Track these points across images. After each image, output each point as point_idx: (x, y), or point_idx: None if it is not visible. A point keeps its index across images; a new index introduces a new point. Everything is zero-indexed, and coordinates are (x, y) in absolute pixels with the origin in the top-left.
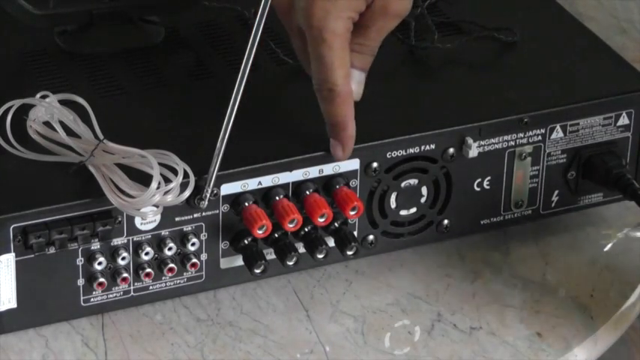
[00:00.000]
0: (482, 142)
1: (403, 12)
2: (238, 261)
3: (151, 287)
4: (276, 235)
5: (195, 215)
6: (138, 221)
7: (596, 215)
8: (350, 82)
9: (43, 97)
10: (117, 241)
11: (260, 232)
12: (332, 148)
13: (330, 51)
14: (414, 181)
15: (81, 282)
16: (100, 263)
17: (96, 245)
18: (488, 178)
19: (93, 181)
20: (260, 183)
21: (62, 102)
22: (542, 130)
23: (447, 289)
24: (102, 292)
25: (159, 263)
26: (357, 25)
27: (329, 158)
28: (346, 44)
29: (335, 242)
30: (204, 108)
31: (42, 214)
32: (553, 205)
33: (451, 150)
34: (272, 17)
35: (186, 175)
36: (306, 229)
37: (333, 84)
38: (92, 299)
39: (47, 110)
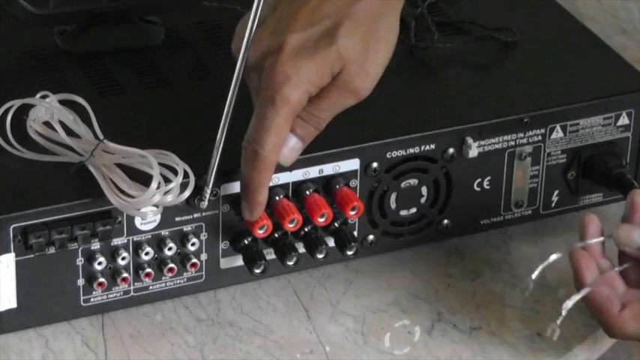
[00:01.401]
0: (482, 142)
1: (363, 92)
2: (238, 261)
3: (151, 287)
4: (276, 235)
5: (195, 215)
6: (138, 221)
7: (596, 215)
8: (277, 152)
9: (43, 97)
10: (117, 241)
11: (260, 232)
12: (242, 208)
13: (274, 115)
14: (414, 181)
15: (81, 282)
16: (100, 263)
17: (96, 245)
18: (488, 178)
19: (93, 181)
20: None
21: (62, 102)
22: (542, 130)
23: (447, 289)
24: (102, 292)
25: (159, 263)
26: (315, 96)
27: (329, 158)
28: (291, 116)
29: (335, 242)
30: (204, 108)
31: (42, 214)
32: (553, 205)
33: (451, 150)
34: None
35: (186, 175)
36: (306, 229)
37: (261, 147)
38: (92, 299)
39: (47, 110)
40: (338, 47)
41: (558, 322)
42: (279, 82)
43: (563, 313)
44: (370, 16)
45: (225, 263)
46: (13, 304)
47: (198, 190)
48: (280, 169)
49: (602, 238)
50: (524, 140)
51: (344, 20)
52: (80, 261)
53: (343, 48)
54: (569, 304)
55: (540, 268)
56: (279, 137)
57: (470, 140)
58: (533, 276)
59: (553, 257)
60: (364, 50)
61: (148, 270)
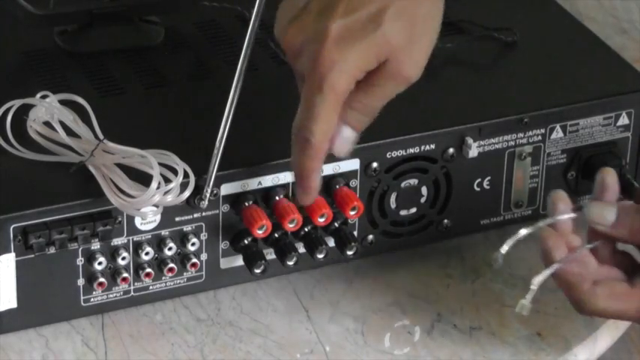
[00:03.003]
0: (482, 142)
1: (412, 78)
2: (238, 261)
3: (151, 287)
4: (276, 235)
5: (195, 215)
6: (138, 221)
7: None
8: (327, 139)
9: (43, 97)
10: (117, 241)
11: (260, 232)
12: (297, 193)
13: (322, 103)
14: (414, 181)
15: (81, 282)
16: (100, 263)
17: (96, 245)
18: (488, 178)
19: (93, 181)
20: (260, 183)
21: (62, 102)
22: (542, 130)
23: (446, 289)
24: (102, 292)
25: (159, 263)
26: (363, 83)
27: (329, 158)
28: (340, 102)
29: (335, 242)
30: (204, 108)
31: (42, 214)
32: None
33: (451, 150)
34: (271, 17)
35: (186, 175)
36: (306, 229)
37: (312, 135)
38: (92, 299)
39: (47, 110)
40: (384, 32)
41: (528, 297)
42: (326, 68)
43: (532, 287)
44: (415, 3)
45: (225, 263)
46: (13, 304)
47: (198, 190)
48: (280, 169)
49: (572, 215)
50: (524, 140)
51: (389, 6)
52: (80, 261)
53: (389, 33)
54: (539, 279)
55: (510, 242)
56: (328, 124)
57: (470, 140)
58: (503, 250)
59: (522, 232)
60: (409, 36)
61: (148, 270)
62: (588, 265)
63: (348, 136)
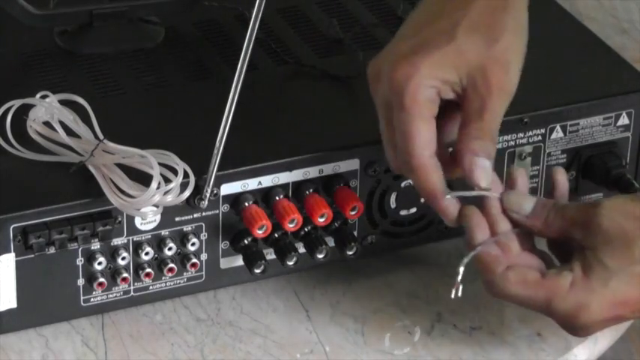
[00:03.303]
0: None
1: (509, 86)
2: (238, 261)
3: (151, 287)
4: (276, 235)
5: (195, 215)
6: (138, 221)
7: None
8: (427, 152)
9: (43, 97)
10: (117, 241)
11: (260, 232)
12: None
13: (408, 118)
14: None
15: (81, 282)
16: (100, 263)
17: (96, 245)
18: None
19: (93, 181)
20: (260, 183)
21: (62, 102)
22: (542, 130)
23: (447, 289)
24: (102, 292)
25: (159, 263)
26: (467, 109)
27: (329, 158)
28: (427, 114)
29: (335, 242)
30: (204, 108)
31: (42, 214)
32: None
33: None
34: (272, 18)
35: (186, 175)
36: (306, 229)
37: (408, 154)
38: (92, 299)
39: (47, 110)
40: (457, 46)
41: (457, 279)
42: (402, 82)
43: (459, 270)
44: (491, 11)
45: (225, 263)
46: (13, 304)
47: (198, 190)
48: (280, 169)
49: (496, 194)
50: (524, 140)
51: (462, 19)
52: (80, 261)
53: (464, 46)
54: (464, 261)
55: (461, 270)
56: (419, 138)
57: None
58: (459, 278)
59: (465, 261)
60: (489, 47)
61: (148, 270)
62: (510, 250)
63: (484, 166)
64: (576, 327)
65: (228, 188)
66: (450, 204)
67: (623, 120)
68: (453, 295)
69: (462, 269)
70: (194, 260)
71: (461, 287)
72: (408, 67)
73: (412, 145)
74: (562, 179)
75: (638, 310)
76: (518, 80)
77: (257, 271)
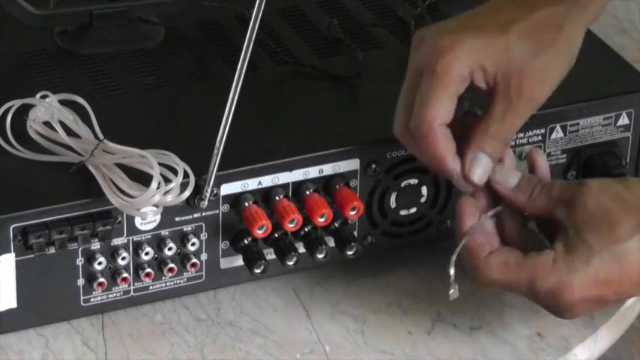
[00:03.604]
0: None
1: (538, 97)
2: (238, 261)
3: (151, 287)
4: (276, 235)
5: (195, 215)
6: (138, 221)
7: None
8: (437, 122)
9: (43, 97)
10: (117, 241)
11: (260, 232)
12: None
13: (435, 85)
14: (414, 181)
15: (81, 282)
16: (100, 263)
17: (96, 245)
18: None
19: (93, 181)
20: (260, 183)
21: (62, 102)
22: (542, 130)
23: (447, 288)
24: (102, 292)
25: (159, 263)
26: (493, 108)
27: (329, 158)
28: (452, 88)
29: (335, 242)
30: (204, 108)
31: (42, 214)
32: None
33: None
34: (272, 18)
35: (186, 175)
36: (306, 229)
37: (422, 119)
38: (92, 299)
39: (47, 110)
40: (506, 41)
41: (451, 279)
42: (441, 51)
43: (450, 271)
44: (548, 25)
45: (225, 263)
46: (13, 304)
47: (198, 190)
48: (280, 169)
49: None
50: (524, 140)
51: (519, 21)
52: (80, 261)
53: (512, 44)
54: (452, 259)
55: (452, 268)
56: (439, 107)
57: None
58: (452, 277)
59: (452, 260)
60: (534, 55)
61: (148, 270)
62: (494, 237)
63: (486, 164)
64: (560, 306)
65: (228, 188)
66: (457, 166)
67: (623, 120)
68: (450, 298)
69: (452, 270)
70: (194, 260)
71: (457, 287)
72: (452, 40)
73: (429, 111)
74: (541, 161)
75: (620, 292)
76: (548, 96)
77: (257, 271)
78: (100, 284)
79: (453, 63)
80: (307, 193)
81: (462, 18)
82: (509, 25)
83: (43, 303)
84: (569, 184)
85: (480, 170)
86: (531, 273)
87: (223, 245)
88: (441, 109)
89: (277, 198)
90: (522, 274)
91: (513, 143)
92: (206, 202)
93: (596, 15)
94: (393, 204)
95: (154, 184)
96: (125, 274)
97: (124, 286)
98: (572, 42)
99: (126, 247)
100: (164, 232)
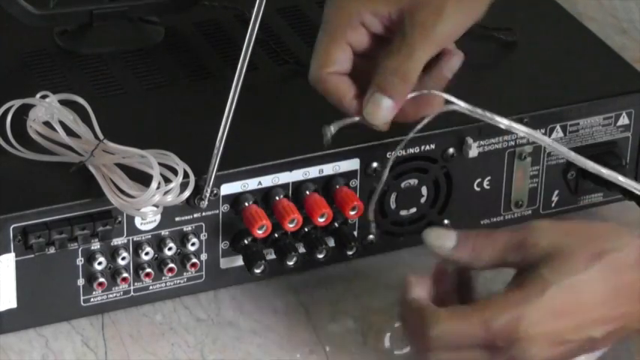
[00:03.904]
0: (482, 142)
1: (439, 33)
2: (238, 261)
3: (151, 287)
4: (276, 235)
5: (195, 215)
6: (138, 221)
7: (596, 215)
8: (329, 72)
9: (43, 97)
10: (117, 241)
11: (260, 232)
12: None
13: (323, 35)
14: (414, 181)
15: (81, 282)
16: (100, 263)
17: (96, 245)
18: (488, 178)
19: (93, 181)
20: (260, 183)
21: (62, 102)
22: (542, 130)
23: None
24: (102, 292)
25: (159, 263)
26: (391, 46)
27: (329, 158)
28: (339, 36)
29: (335, 242)
30: (204, 108)
31: (42, 214)
32: (553, 205)
33: (451, 150)
34: (272, 18)
35: (186, 175)
36: (306, 229)
37: (311, 69)
38: (92, 299)
39: (47, 110)
40: None
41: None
42: (332, 1)
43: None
44: None
45: (225, 263)
46: (13, 304)
47: (198, 190)
48: (280, 169)
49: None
50: (524, 140)
51: None
52: (80, 261)
53: None
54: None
55: (341, 123)
56: (326, 57)
57: (470, 140)
58: (333, 128)
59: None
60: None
61: (148, 270)
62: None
63: (385, 105)
64: (519, 346)
65: (228, 188)
66: (354, 108)
67: (623, 120)
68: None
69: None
70: (194, 260)
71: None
72: None
73: (317, 60)
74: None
75: (578, 328)
76: (453, 32)
77: (257, 271)
78: (100, 284)
79: (338, 12)
80: (307, 193)
81: None
82: None
83: (43, 303)
84: (513, 231)
85: (375, 109)
86: (483, 315)
87: (223, 245)
88: (329, 59)
89: (277, 198)
90: (474, 319)
91: (513, 143)
92: (206, 202)
93: None
94: (393, 204)
95: (153, 184)
96: (125, 274)
97: (124, 286)
98: (476, 5)
99: (126, 247)
100: (164, 232)
